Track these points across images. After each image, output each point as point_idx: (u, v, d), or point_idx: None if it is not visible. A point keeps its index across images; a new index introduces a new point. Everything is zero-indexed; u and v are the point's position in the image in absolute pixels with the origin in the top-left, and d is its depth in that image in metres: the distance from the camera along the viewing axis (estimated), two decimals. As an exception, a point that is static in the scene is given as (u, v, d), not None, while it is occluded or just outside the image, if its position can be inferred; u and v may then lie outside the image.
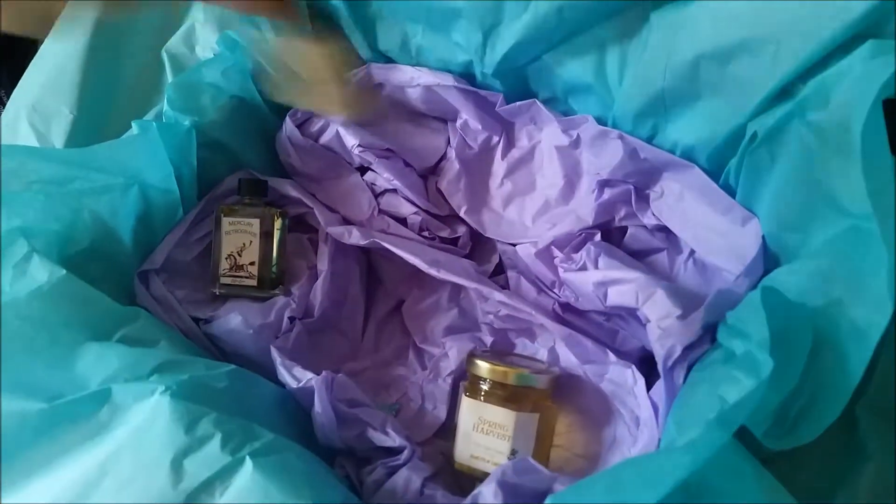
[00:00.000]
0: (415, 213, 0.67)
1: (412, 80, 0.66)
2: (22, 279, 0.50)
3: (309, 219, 0.68)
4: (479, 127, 0.65)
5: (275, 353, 0.58)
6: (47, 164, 0.56)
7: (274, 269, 0.64)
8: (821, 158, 0.43)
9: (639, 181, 0.58)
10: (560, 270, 0.59)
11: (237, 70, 0.67)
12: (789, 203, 0.47)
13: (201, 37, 0.73)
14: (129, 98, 0.72)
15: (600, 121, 0.59)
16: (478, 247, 0.69)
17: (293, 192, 0.67)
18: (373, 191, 0.68)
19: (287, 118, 0.68)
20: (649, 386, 0.53)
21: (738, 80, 0.48)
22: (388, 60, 0.69)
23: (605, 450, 0.56)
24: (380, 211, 0.68)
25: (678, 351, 0.47)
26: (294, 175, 0.70)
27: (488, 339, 0.64)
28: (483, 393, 0.55)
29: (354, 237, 0.63)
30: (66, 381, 0.46)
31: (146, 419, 0.43)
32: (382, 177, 0.67)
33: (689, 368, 0.48)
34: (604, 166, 0.58)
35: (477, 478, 0.54)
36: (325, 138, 0.67)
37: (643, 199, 0.59)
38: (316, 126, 0.68)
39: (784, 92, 0.47)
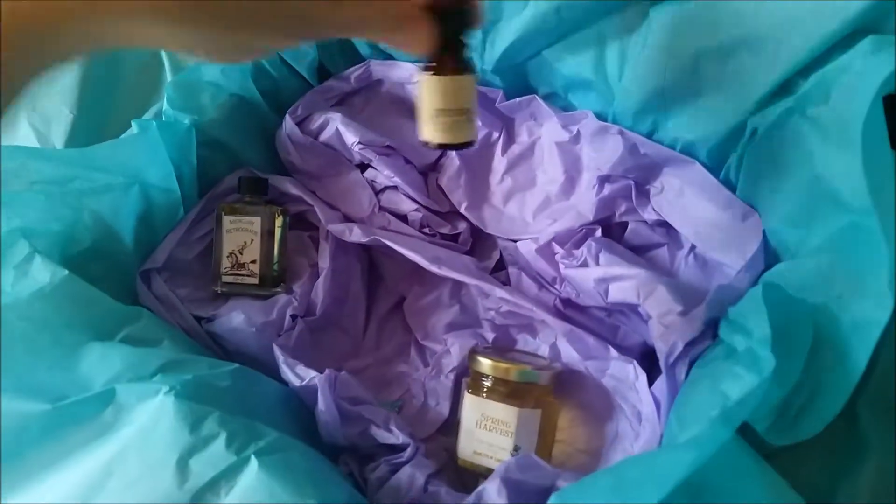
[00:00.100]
0: (415, 209, 0.67)
1: (412, 76, 0.66)
2: (24, 280, 0.50)
3: (309, 216, 0.68)
4: (479, 123, 0.65)
5: (277, 352, 0.58)
6: (48, 164, 0.56)
7: (275, 267, 0.64)
8: (821, 154, 0.43)
9: (639, 176, 0.58)
10: (561, 267, 0.59)
11: (236, 68, 0.67)
12: (790, 199, 0.47)
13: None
14: (129, 97, 0.72)
15: (600, 116, 0.59)
16: (478, 243, 0.69)
17: (293, 190, 0.67)
18: (373, 188, 0.68)
19: (286, 116, 0.68)
20: (651, 381, 0.53)
21: (738, 76, 0.49)
22: (388, 57, 0.69)
23: (608, 445, 0.57)
24: (380, 208, 0.68)
25: (680, 347, 0.47)
26: (294, 173, 0.70)
27: (490, 336, 0.64)
28: (485, 390, 0.55)
29: (355, 235, 0.63)
30: (70, 381, 0.46)
31: (151, 419, 0.44)
32: (383, 174, 0.67)
33: (691, 364, 0.48)
34: (604, 162, 0.58)
35: (480, 474, 0.55)
36: (325, 136, 0.67)
37: (643, 195, 0.59)
38: (315, 124, 0.68)
39: (784, 88, 0.47)
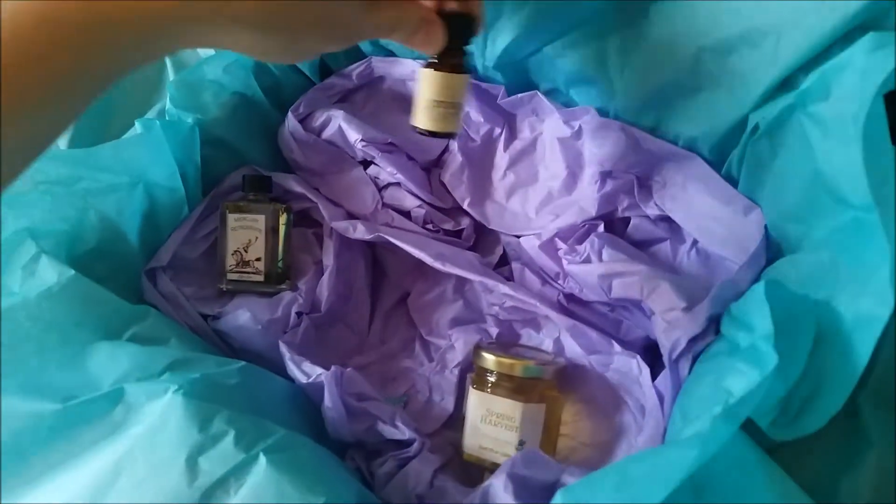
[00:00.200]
0: (418, 206, 0.67)
1: (414, 73, 0.66)
2: (31, 280, 0.50)
3: (313, 213, 0.69)
4: (481, 119, 0.66)
5: (283, 349, 0.58)
6: (53, 164, 0.56)
7: (280, 264, 0.64)
8: (822, 150, 0.43)
9: (641, 172, 0.58)
10: (564, 263, 0.59)
11: (239, 66, 0.67)
12: (791, 194, 0.47)
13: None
14: (131, 96, 0.72)
15: (602, 112, 0.59)
16: (482, 239, 0.70)
17: (297, 188, 0.67)
18: (376, 185, 0.68)
19: (289, 113, 0.68)
20: (654, 375, 0.54)
21: (739, 71, 0.49)
22: (390, 54, 0.69)
23: (612, 438, 0.57)
24: (383, 205, 0.68)
25: (683, 343, 0.48)
26: (297, 170, 0.70)
27: (494, 331, 0.65)
28: (490, 385, 0.55)
29: (359, 231, 0.64)
30: (79, 381, 0.46)
31: (160, 418, 0.44)
32: (386, 171, 0.67)
33: (694, 359, 0.48)
34: (606, 157, 0.58)
35: (486, 468, 0.55)
36: (328, 133, 0.68)
37: (646, 190, 0.59)
38: (318, 121, 0.68)
39: (785, 84, 0.47)
